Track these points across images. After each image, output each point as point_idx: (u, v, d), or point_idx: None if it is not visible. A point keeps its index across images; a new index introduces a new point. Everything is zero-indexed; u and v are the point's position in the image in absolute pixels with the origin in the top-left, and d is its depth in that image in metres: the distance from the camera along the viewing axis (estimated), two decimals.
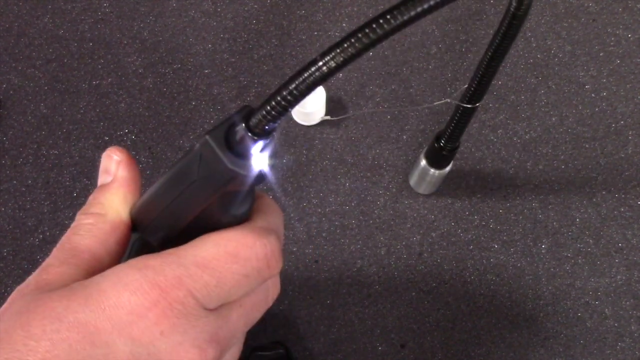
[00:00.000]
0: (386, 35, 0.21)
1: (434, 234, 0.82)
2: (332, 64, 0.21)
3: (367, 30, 0.21)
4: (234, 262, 0.25)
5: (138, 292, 0.23)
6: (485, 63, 0.56)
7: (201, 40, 0.96)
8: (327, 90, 0.88)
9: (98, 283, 0.24)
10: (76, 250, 0.26)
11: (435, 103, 0.84)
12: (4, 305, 0.25)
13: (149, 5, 0.99)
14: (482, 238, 0.81)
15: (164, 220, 0.27)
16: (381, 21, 0.21)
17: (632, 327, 0.76)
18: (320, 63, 0.22)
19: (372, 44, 0.21)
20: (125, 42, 0.96)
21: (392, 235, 0.81)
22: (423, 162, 0.77)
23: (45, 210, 0.83)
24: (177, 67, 0.94)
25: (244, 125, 0.23)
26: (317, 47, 0.95)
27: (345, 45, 0.21)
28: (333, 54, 0.21)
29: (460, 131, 0.68)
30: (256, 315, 0.28)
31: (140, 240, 0.29)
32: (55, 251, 0.26)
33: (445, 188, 0.84)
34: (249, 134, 0.23)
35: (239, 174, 0.24)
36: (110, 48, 0.96)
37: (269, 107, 0.23)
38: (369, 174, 0.85)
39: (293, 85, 0.22)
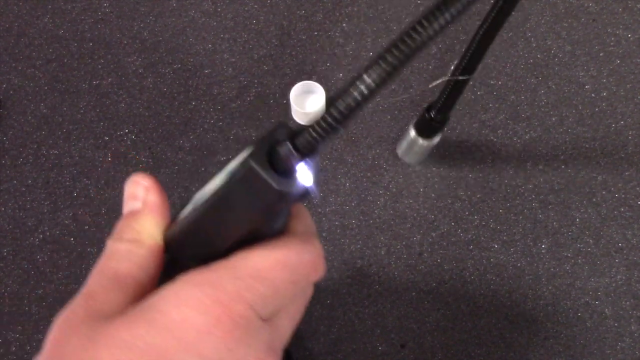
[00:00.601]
0: (425, 42, 0.21)
1: (434, 234, 0.81)
2: (377, 78, 0.21)
3: (406, 39, 0.21)
4: (286, 270, 0.25)
5: (201, 309, 0.23)
6: (481, 34, 0.57)
7: (201, 40, 0.96)
8: (327, 91, 0.88)
9: (157, 305, 0.23)
10: (118, 276, 0.26)
11: (433, 84, 0.85)
12: (54, 340, 0.24)
13: (149, 5, 0.99)
14: (482, 238, 0.81)
15: (209, 243, 0.27)
16: (419, 27, 0.21)
17: (632, 327, 0.76)
18: (366, 77, 0.21)
19: (414, 51, 0.21)
20: (125, 42, 0.96)
21: (392, 235, 0.81)
22: (412, 133, 0.80)
23: (45, 210, 0.83)
24: (177, 67, 0.94)
25: (291, 145, 0.23)
26: (317, 47, 0.95)
27: (388, 57, 0.21)
28: (377, 67, 0.21)
29: (451, 103, 0.70)
30: (298, 318, 0.28)
31: (172, 261, 0.29)
32: (95, 278, 0.26)
33: (445, 188, 0.84)
34: (296, 154, 0.23)
35: (287, 194, 0.24)
36: (110, 48, 0.96)
37: (319, 128, 0.22)
38: (369, 174, 0.85)
39: (343, 105, 0.22)
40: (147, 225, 0.28)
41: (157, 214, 0.29)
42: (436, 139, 0.79)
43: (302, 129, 0.23)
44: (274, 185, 0.23)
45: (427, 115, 0.75)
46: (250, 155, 0.23)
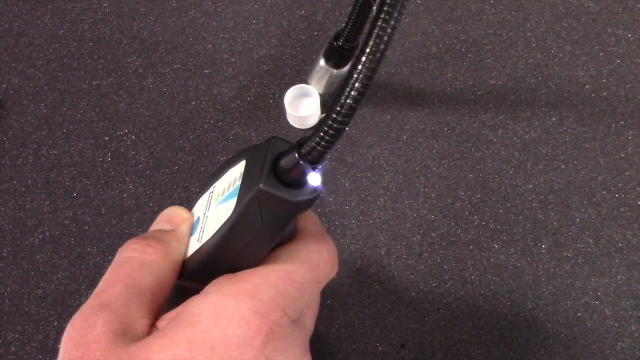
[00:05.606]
0: (398, 21, 0.21)
1: (434, 234, 0.81)
2: (367, 72, 0.21)
3: (383, 24, 0.21)
4: (310, 270, 0.26)
5: (242, 323, 0.23)
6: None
7: (201, 40, 0.96)
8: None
9: (196, 322, 0.23)
10: (139, 289, 0.26)
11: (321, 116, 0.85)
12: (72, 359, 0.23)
13: (149, 5, 0.99)
14: (482, 238, 0.81)
15: (229, 266, 0.27)
16: (388, 9, 0.21)
17: (632, 327, 0.76)
18: (355, 75, 0.21)
19: (391, 35, 0.21)
20: (125, 42, 0.96)
21: (392, 235, 0.81)
22: (322, 62, 0.82)
23: (45, 210, 0.83)
24: (177, 67, 0.94)
25: (299, 157, 0.23)
26: (317, 46, 0.95)
27: (372, 45, 0.21)
28: (364, 59, 0.21)
29: (358, 30, 0.71)
30: (317, 313, 0.29)
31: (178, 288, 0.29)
32: (116, 288, 0.25)
33: (445, 188, 0.84)
34: (306, 164, 0.23)
35: (304, 201, 0.24)
36: (110, 48, 0.96)
37: (326, 135, 0.22)
38: (369, 174, 0.85)
39: (345, 106, 0.22)
40: (176, 245, 0.28)
41: (184, 244, 0.29)
42: (345, 68, 0.82)
43: (305, 138, 0.23)
44: (290, 198, 0.23)
45: (335, 43, 0.77)
46: (259, 180, 0.23)
